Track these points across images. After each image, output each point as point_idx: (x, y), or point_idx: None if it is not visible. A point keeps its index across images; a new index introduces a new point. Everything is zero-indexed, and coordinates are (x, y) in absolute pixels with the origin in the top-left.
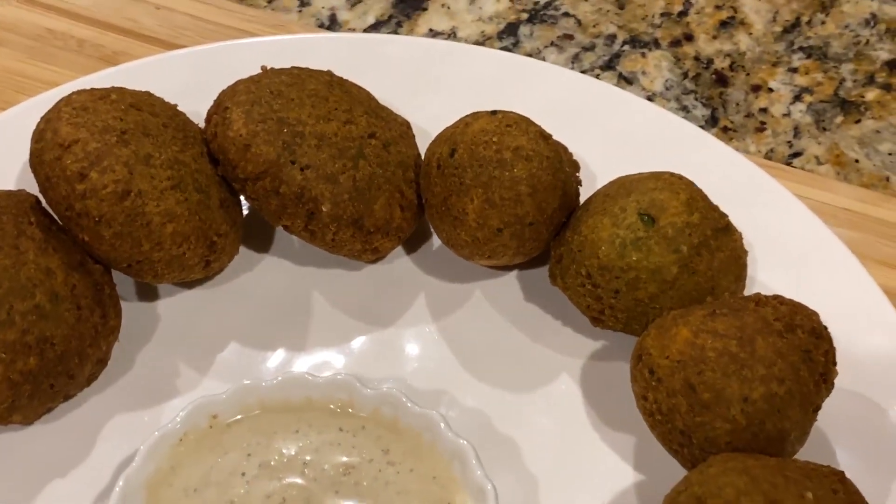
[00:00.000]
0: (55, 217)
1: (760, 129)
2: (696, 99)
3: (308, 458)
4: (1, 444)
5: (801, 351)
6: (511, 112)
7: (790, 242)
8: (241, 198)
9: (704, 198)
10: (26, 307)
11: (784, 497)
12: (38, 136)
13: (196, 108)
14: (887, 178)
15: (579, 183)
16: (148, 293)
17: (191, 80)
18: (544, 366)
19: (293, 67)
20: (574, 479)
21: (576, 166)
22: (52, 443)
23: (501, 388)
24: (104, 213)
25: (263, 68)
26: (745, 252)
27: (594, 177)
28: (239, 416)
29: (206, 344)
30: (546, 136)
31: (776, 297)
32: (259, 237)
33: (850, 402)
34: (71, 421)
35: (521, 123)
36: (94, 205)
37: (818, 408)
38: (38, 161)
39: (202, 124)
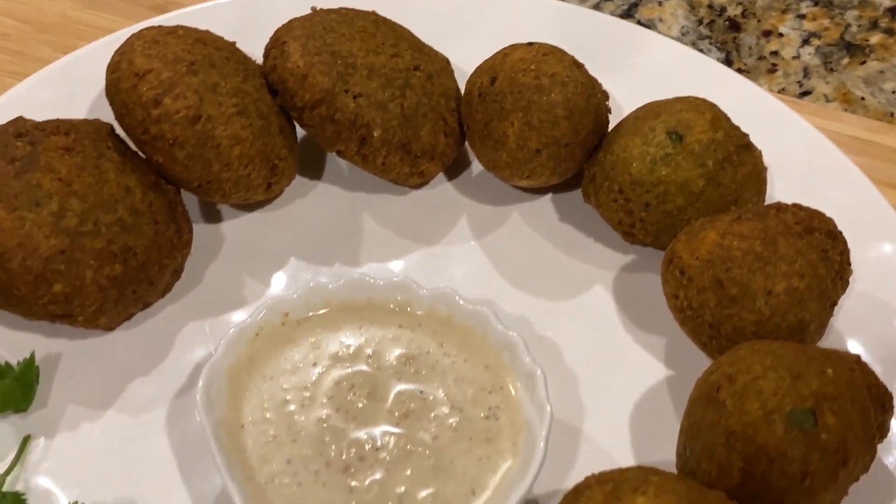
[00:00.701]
0: (128, 144)
1: (772, 70)
2: (710, 44)
3: (371, 350)
4: (87, 349)
5: (819, 250)
6: (546, 43)
7: (804, 163)
8: (296, 127)
9: (727, 118)
10: (110, 220)
11: (807, 371)
12: (114, 68)
13: (246, 51)
14: (892, 114)
15: (609, 111)
16: (213, 216)
17: (239, 25)
18: (579, 278)
19: (341, 8)
20: (610, 374)
21: (605, 95)
22: (133, 347)
23: (540, 297)
24: (177, 136)
25: (313, 9)
26: (765, 168)
27: (620, 109)
28: (308, 314)
29: (267, 260)
30: (579, 65)
31: (795, 205)
32: (311, 167)
33: (863, 303)
34: (149, 328)
35: (556, 53)
36: (168, 128)
37: (835, 303)
38: (114, 90)
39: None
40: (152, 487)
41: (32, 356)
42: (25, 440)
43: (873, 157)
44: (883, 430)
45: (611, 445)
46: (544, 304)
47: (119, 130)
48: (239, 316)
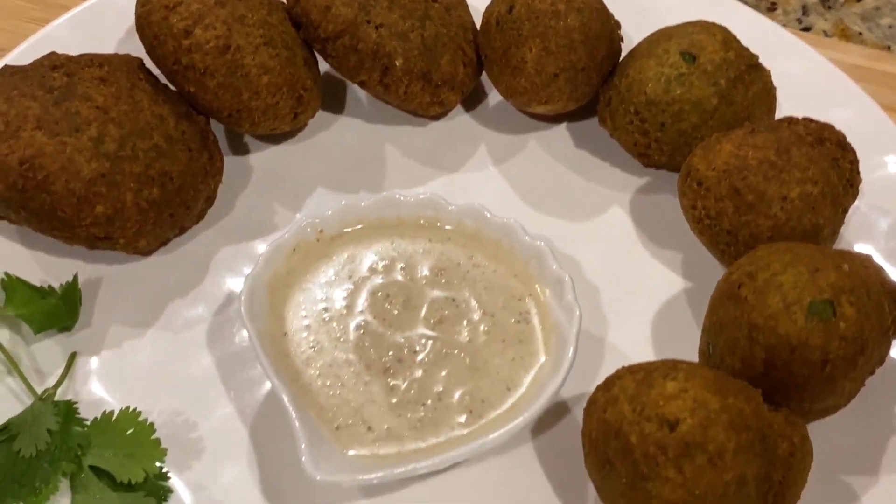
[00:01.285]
0: (158, 78)
1: (772, 8)
2: None
3: (403, 263)
4: (126, 273)
5: (830, 159)
6: None
7: (808, 86)
8: (318, 62)
9: (737, 39)
10: (147, 146)
11: (824, 266)
12: (144, 1)
13: None
14: (888, 47)
15: (621, 39)
16: (241, 149)
17: None
18: (597, 200)
19: None
20: (630, 288)
21: (618, 23)
22: (170, 271)
23: (560, 219)
24: (208, 65)
25: None
26: (775, 87)
27: (630, 40)
28: (341, 231)
29: (295, 189)
30: None
31: (806, 118)
32: (332, 102)
33: (870, 213)
34: (185, 253)
35: None
36: (199, 58)
37: (846, 210)
38: (145, 22)
39: None
40: (196, 399)
41: (75, 277)
42: (72, 356)
43: (874, 83)
44: None
45: (634, 352)
46: (564, 224)
47: (149, 64)
48: (272, 239)
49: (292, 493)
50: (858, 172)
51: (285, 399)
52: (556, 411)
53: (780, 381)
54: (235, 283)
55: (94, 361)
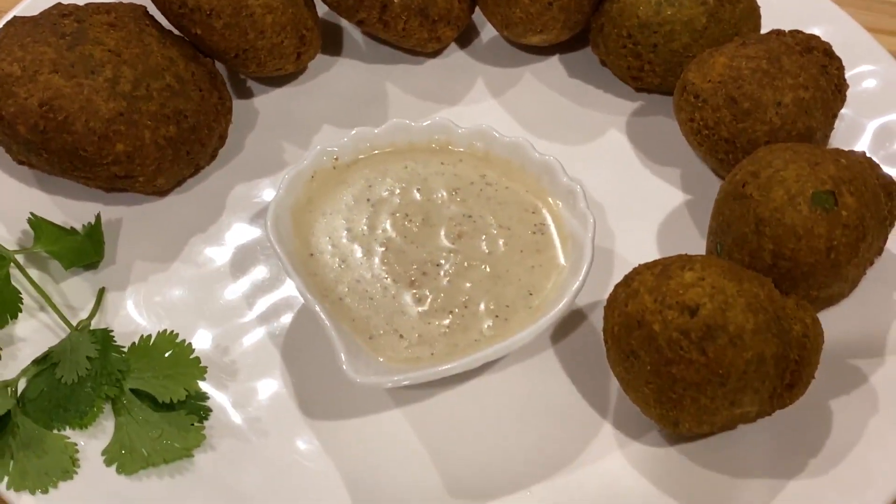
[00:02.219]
0: (162, 24)
1: None
2: None
3: (419, 185)
4: (144, 213)
5: (818, 66)
6: None
7: (788, 4)
8: (315, 5)
9: None
10: (160, 86)
11: (823, 160)
12: None
13: None
14: None
15: None
16: (245, 93)
17: None
18: (593, 125)
19: None
20: (634, 203)
21: None
22: (188, 209)
23: (560, 144)
24: (214, 6)
25: None
26: (759, 6)
27: None
28: (356, 157)
29: (302, 127)
30: None
31: (793, 30)
32: (330, 45)
33: (857, 119)
34: (200, 191)
35: None
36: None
37: (835, 115)
38: None
39: None
40: (225, 326)
41: (98, 216)
42: (101, 291)
43: (876, 11)
44: (893, 217)
45: (642, 260)
46: (564, 149)
47: (153, 11)
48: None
49: (326, 405)
50: (845, 79)
51: (319, 311)
52: (571, 318)
53: (788, 271)
54: (252, 218)
55: (122, 295)
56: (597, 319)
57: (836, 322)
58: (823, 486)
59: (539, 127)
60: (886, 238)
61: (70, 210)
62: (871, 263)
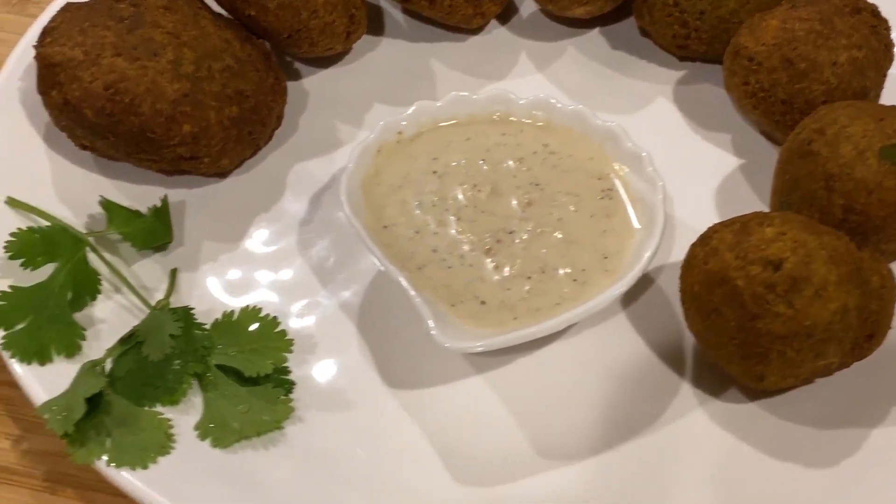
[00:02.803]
0: (211, 7)
1: None
2: None
3: (483, 157)
4: (207, 195)
5: (868, 26)
6: None
7: None
8: None
9: None
10: (220, 66)
11: (887, 115)
12: None
13: None
14: None
15: None
16: (293, 74)
17: None
18: (640, 94)
19: None
20: (688, 168)
21: None
22: (249, 190)
23: (607, 113)
24: None
25: None
26: None
27: None
28: (419, 131)
29: (353, 106)
30: None
31: None
32: (373, 25)
33: None
34: (259, 173)
35: None
36: None
37: (885, 74)
38: None
39: None
40: (297, 301)
41: (165, 198)
42: (173, 272)
43: None
44: None
45: (703, 224)
46: (613, 119)
47: None
48: (341, 156)
49: (407, 374)
50: (892, 39)
51: (403, 281)
52: (639, 282)
53: (859, 225)
54: (313, 196)
55: (193, 275)
56: (663, 282)
57: None
58: None
59: (586, 99)
60: None
61: (132, 194)
62: None
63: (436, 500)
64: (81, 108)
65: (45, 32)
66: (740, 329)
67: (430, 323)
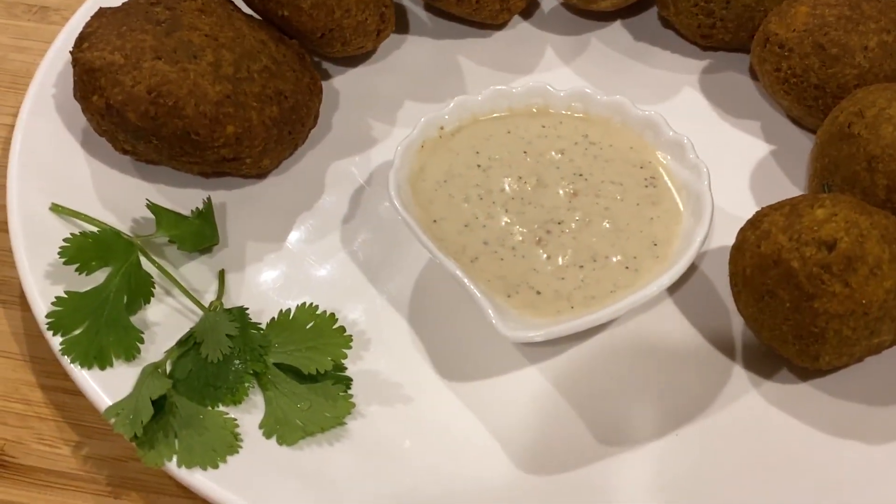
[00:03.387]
0: (242, 9)
1: None
2: None
3: (525, 149)
4: (246, 196)
5: (895, 9)
6: None
7: None
8: None
9: None
10: (258, 67)
11: None
12: None
13: None
14: None
15: None
16: (324, 74)
17: None
18: (666, 84)
19: None
20: (721, 154)
21: None
22: (288, 190)
23: (638, 103)
24: None
25: None
26: None
27: None
28: (459, 126)
29: (385, 104)
30: None
31: None
32: (398, 24)
33: None
34: (297, 172)
35: None
36: None
37: None
38: None
39: None
40: (348, 298)
41: (209, 200)
42: (222, 273)
43: None
44: None
45: (742, 210)
46: (641, 107)
47: None
48: (377, 153)
49: (462, 367)
50: None
51: (458, 272)
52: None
53: None
54: (354, 194)
55: (241, 276)
56: (708, 267)
57: None
58: None
59: (614, 91)
60: None
61: (172, 197)
62: None
63: (500, 488)
64: (125, 111)
65: (82, 38)
66: (796, 310)
67: (491, 313)
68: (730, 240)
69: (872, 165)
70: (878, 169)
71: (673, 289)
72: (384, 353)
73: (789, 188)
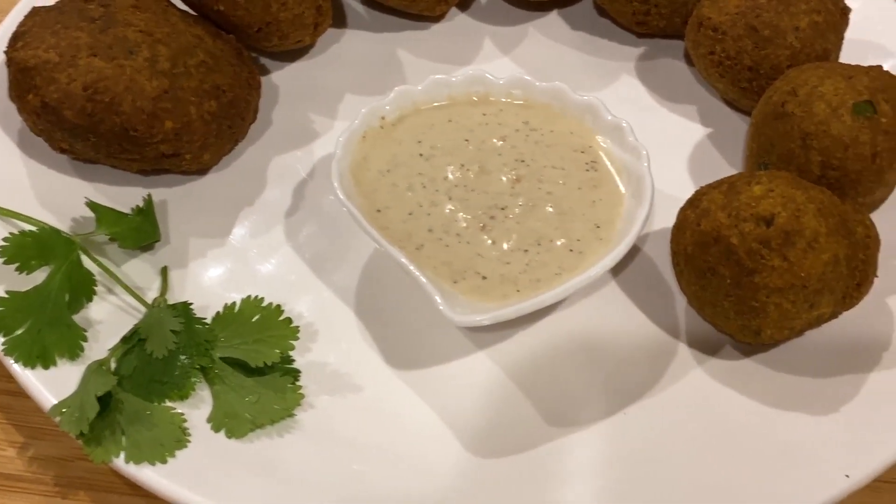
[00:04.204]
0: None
1: None
2: None
3: (467, 136)
4: (188, 193)
5: None
6: None
7: None
8: None
9: None
10: (196, 62)
11: (855, 73)
12: None
13: None
14: None
15: None
16: (261, 69)
17: None
18: (604, 72)
19: None
20: (659, 139)
21: None
22: (230, 186)
23: (577, 91)
24: None
25: None
26: None
27: None
28: (401, 116)
29: (326, 98)
30: None
31: None
32: (335, 18)
33: (857, 41)
34: (238, 168)
35: None
36: None
37: (842, 37)
38: None
39: None
40: (293, 290)
41: (149, 197)
42: (164, 269)
43: None
44: None
45: (681, 191)
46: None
47: None
48: (319, 146)
49: (410, 355)
50: (846, 3)
51: (404, 260)
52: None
53: (837, 180)
54: (296, 188)
55: (184, 272)
56: (650, 248)
57: (878, 224)
58: None
59: (554, 78)
60: None
61: (111, 196)
62: None
63: (453, 473)
64: (61, 109)
65: (16, 37)
66: (737, 285)
67: (438, 299)
68: (671, 221)
69: (807, 143)
70: (812, 146)
71: (616, 270)
72: (333, 343)
73: (727, 169)
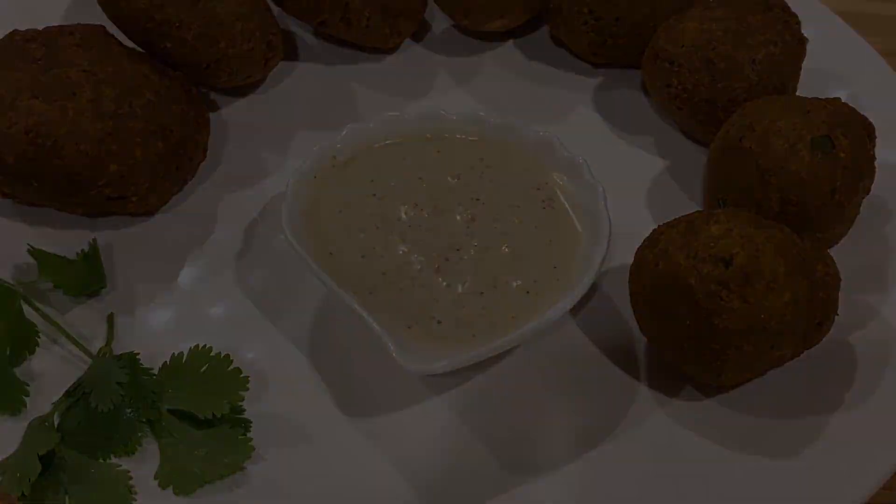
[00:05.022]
0: (122, 43)
1: None
2: None
3: (421, 175)
4: (135, 236)
5: (781, 21)
6: None
7: None
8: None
9: None
10: (142, 102)
11: (812, 108)
12: None
13: None
14: None
15: None
16: (210, 105)
17: None
18: (561, 103)
19: None
20: (616, 173)
21: None
22: (179, 227)
23: (534, 124)
24: (183, 17)
25: None
26: None
27: None
28: (353, 154)
29: (277, 135)
30: None
31: None
32: (286, 51)
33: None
34: (188, 207)
35: None
36: (172, 11)
37: (800, 67)
38: None
39: None
40: (243, 337)
41: (94, 242)
42: (111, 317)
43: None
44: (874, 157)
45: (640, 228)
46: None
47: (111, 30)
48: (270, 185)
49: (364, 402)
50: (803, 33)
51: (357, 307)
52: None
53: (796, 216)
54: (247, 228)
55: (132, 319)
56: (609, 287)
57: (838, 260)
58: (865, 414)
59: (509, 111)
60: (874, 177)
61: (57, 240)
62: (861, 200)
63: None
64: (2, 154)
65: None
66: (696, 328)
67: (392, 347)
68: (629, 258)
69: (765, 179)
70: (771, 182)
71: (575, 310)
72: (284, 392)
73: (686, 203)
